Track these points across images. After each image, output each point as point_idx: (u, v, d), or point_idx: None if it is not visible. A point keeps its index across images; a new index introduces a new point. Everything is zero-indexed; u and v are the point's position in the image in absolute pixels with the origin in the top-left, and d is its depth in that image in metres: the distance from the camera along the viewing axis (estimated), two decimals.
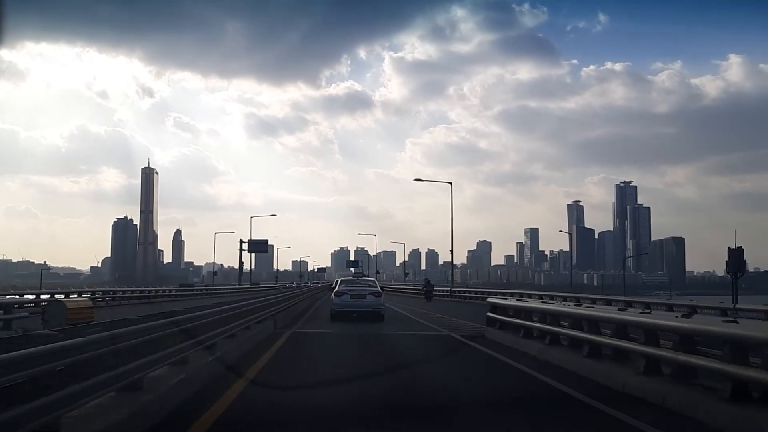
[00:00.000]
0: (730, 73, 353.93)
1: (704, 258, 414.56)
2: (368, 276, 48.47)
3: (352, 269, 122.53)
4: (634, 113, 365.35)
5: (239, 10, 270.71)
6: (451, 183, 47.79)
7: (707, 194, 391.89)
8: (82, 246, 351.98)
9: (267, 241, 72.35)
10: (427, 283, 47.47)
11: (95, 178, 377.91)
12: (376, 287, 23.01)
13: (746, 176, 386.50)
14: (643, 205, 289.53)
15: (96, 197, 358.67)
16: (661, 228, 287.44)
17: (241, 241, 68.61)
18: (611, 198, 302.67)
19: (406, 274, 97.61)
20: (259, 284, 79.04)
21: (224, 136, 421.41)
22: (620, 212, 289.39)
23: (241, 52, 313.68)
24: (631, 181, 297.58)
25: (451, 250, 46.40)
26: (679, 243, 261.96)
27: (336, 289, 22.45)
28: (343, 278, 28.72)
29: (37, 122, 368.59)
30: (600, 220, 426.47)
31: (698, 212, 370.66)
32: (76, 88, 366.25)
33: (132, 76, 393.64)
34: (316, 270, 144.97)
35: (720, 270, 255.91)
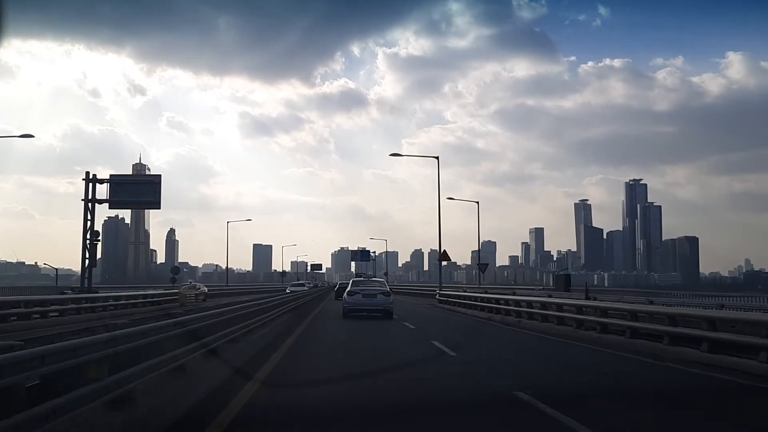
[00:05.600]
0: (732, 71, 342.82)
1: (709, 258, 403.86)
2: (376, 277, 50.10)
3: (353, 263, 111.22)
4: (633, 111, 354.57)
5: (231, 6, 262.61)
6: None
7: (708, 194, 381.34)
8: (78, 247, 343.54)
9: (158, 180, 33.52)
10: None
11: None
12: (386, 287, 25.20)
13: (749, 176, 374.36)
14: (654, 204, 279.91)
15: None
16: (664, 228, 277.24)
17: (90, 178, 31.52)
18: (611, 198, 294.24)
19: (482, 268, 46.66)
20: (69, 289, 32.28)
21: (219, 135, 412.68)
22: (630, 211, 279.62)
23: (233, 49, 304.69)
24: (641, 179, 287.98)
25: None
26: (692, 242, 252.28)
27: (348, 289, 24.66)
28: (355, 279, 31.90)
29: (30, 121, 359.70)
30: (602, 220, 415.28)
31: (700, 212, 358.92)
32: (67, 87, 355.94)
33: (123, 74, 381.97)
34: (309, 268, 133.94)
35: (725, 271, 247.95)
